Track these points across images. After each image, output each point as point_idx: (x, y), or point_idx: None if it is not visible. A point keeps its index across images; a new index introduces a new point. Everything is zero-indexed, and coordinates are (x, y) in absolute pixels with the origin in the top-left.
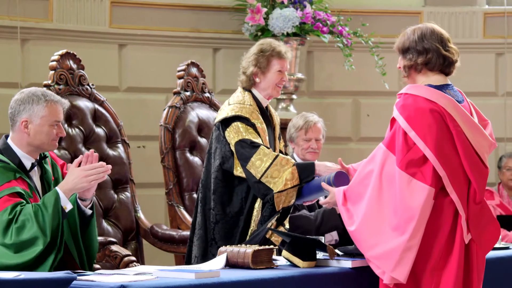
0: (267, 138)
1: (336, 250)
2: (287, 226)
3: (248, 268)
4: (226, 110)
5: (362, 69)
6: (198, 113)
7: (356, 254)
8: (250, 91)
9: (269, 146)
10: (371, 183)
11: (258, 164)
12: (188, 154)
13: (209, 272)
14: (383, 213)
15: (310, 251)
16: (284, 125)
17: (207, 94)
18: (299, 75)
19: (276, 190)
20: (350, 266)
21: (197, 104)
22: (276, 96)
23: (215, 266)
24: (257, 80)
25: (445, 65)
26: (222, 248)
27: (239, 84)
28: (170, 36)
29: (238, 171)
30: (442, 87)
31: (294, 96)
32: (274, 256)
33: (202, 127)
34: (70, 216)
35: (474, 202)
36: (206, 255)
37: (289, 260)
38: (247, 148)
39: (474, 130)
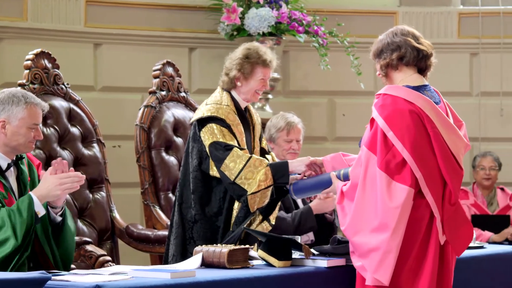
0: (244, 139)
1: (312, 250)
2: (272, 222)
3: (224, 267)
4: (202, 110)
5: (338, 69)
6: (173, 112)
7: (331, 253)
8: (229, 92)
9: (245, 148)
10: (358, 184)
11: (232, 166)
12: (163, 154)
13: (184, 271)
14: (365, 213)
15: (286, 251)
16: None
17: (182, 94)
18: (275, 75)
19: (250, 192)
20: (326, 266)
21: (172, 104)
22: (255, 101)
23: (190, 266)
24: (239, 84)
25: (419, 58)
26: (198, 248)
27: (220, 84)
28: (146, 36)
29: (214, 172)
30: (420, 88)
31: (270, 96)
32: (253, 253)
33: (178, 126)
34: (42, 221)
35: (449, 204)
36: (185, 254)
37: (264, 260)
38: (221, 151)
39: (450, 132)
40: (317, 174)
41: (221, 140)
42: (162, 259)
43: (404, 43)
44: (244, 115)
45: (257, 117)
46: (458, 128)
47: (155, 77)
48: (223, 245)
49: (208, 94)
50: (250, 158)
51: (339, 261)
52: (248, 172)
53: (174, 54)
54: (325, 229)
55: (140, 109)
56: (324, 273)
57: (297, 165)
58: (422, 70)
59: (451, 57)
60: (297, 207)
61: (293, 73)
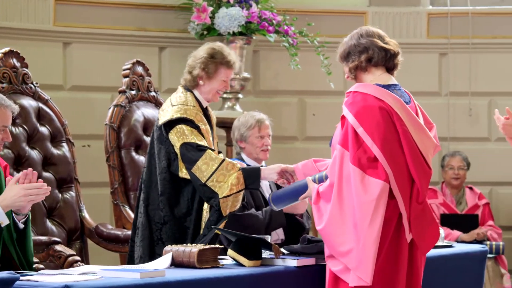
0: (211, 139)
1: (282, 249)
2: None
3: (194, 267)
4: (170, 111)
5: (308, 69)
6: (143, 112)
7: (301, 253)
8: (191, 92)
9: (214, 148)
10: (334, 182)
11: (204, 168)
12: (133, 153)
13: (154, 271)
14: (344, 211)
15: (256, 250)
16: (230, 124)
17: (152, 93)
18: (245, 74)
19: (221, 195)
20: (296, 265)
21: (142, 103)
22: (215, 101)
23: (160, 266)
24: (201, 83)
25: (388, 58)
26: (168, 248)
27: (182, 81)
28: (115, 35)
29: (183, 173)
30: (389, 87)
31: (240, 95)
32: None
33: (148, 126)
34: (8, 227)
35: (416, 202)
36: (153, 255)
37: (234, 259)
38: (193, 152)
39: (419, 131)
40: (290, 183)
41: (192, 140)
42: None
43: (371, 44)
44: (207, 114)
45: (213, 116)
46: (429, 130)
47: (125, 76)
48: (193, 244)
49: None
50: (223, 161)
51: (309, 261)
52: (220, 175)
53: (144, 54)
54: (295, 229)
55: (109, 108)
56: (294, 272)
57: (269, 173)
58: (390, 69)
59: (420, 57)
60: (267, 205)
61: (263, 72)
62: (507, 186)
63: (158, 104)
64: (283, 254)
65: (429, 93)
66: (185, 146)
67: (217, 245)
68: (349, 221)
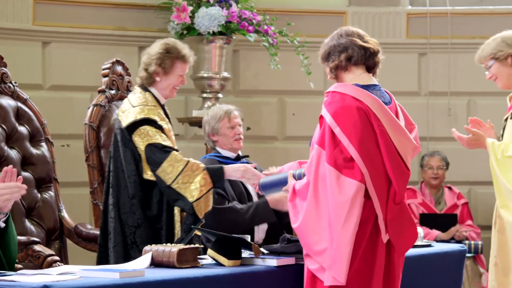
0: (173, 137)
1: (262, 249)
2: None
3: (173, 267)
4: (132, 113)
5: (288, 68)
6: None
7: (281, 252)
8: (149, 91)
9: (177, 148)
10: (310, 181)
11: (169, 170)
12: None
13: (133, 271)
14: (319, 209)
15: (236, 250)
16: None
17: None
18: (225, 74)
19: (193, 199)
20: (276, 265)
21: (122, 103)
22: (172, 97)
23: (139, 266)
24: (158, 79)
25: (367, 57)
26: (147, 247)
27: (138, 80)
28: (95, 34)
29: (148, 175)
30: (369, 87)
31: (220, 95)
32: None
33: None
34: None
35: (393, 203)
36: (128, 259)
37: (214, 259)
38: (158, 153)
39: (398, 132)
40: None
41: (157, 141)
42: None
43: (350, 43)
44: (166, 113)
45: (169, 113)
46: (410, 131)
47: (104, 76)
48: (173, 244)
49: None
50: (188, 162)
51: (288, 260)
52: (185, 177)
53: (124, 53)
54: (275, 230)
55: (89, 108)
56: (274, 272)
57: (232, 171)
58: (371, 68)
59: (399, 57)
60: (248, 194)
61: (243, 72)
62: (486, 185)
63: None
64: (263, 253)
65: (408, 93)
66: (150, 147)
67: (197, 245)
68: (324, 220)
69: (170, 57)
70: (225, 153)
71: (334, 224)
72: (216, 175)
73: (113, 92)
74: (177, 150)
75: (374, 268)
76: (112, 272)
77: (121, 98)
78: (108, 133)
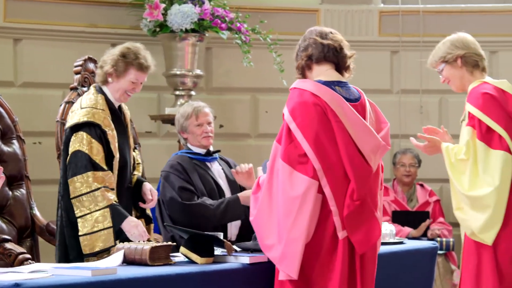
0: (116, 144)
1: (234, 246)
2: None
3: (146, 264)
4: (78, 114)
5: (261, 66)
6: None
7: (253, 250)
8: (103, 93)
9: (116, 154)
10: (266, 176)
11: (78, 185)
12: None
13: (105, 269)
14: (272, 205)
15: (208, 248)
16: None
17: None
18: (198, 72)
19: (82, 233)
20: (248, 262)
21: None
22: (124, 102)
23: (112, 263)
24: (110, 80)
25: (326, 53)
26: (120, 245)
27: (96, 78)
28: (67, 31)
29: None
30: (331, 83)
31: (192, 93)
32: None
33: None
34: None
35: (351, 199)
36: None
37: (187, 257)
38: (79, 164)
39: (359, 128)
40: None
41: (86, 152)
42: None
43: (310, 42)
44: (118, 115)
45: (128, 114)
46: (381, 129)
47: (76, 73)
48: (145, 242)
49: None
50: (98, 189)
51: (261, 257)
52: (86, 201)
53: (96, 50)
54: (248, 226)
55: (61, 105)
56: (247, 269)
57: (130, 225)
58: (338, 65)
59: (372, 55)
60: (220, 190)
61: (216, 70)
62: None
63: None
64: (236, 251)
65: (380, 91)
66: (76, 154)
67: (170, 243)
68: (275, 216)
69: (125, 61)
70: (196, 149)
71: (284, 220)
72: (118, 217)
73: (85, 89)
74: (100, 169)
75: (334, 264)
76: (84, 270)
77: None
78: None
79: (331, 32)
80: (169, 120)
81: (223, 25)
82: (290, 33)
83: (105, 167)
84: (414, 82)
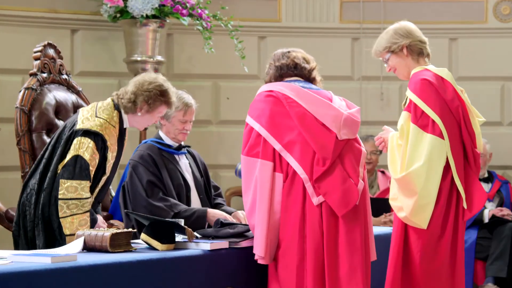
0: (111, 166)
1: (195, 233)
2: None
3: (106, 251)
4: (92, 122)
5: (222, 52)
6: (55, 95)
7: (214, 236)
8: (119, 110)
9: (107, 173)
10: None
11: (71, 189)
12: (45, 137)
13: (65, 256)
14: (244, 199)
15: (169, 234)
16: None
17: (64, 76)
18: (159, 58)
19: (66, 233)
20: (209, 249)
21: (54, 86)
22: (139, 129)
23: (72, 250)
24: (139, 114)
25: (281, 71)
26: (80, 232)
27: (116, 100)
28: (26, 16)
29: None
30: (292, 81)
31: None
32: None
33: (60, 109)
34: None
35: (317, 165)
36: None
37: (147, 243)
38: (77, 169)
39: (316, 104)
40: None
41: (88, 160)
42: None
43: (269, 66)
44: (123, 136)
45: (126, 136)
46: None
47: (36, 59)
48: (105, 229)
49: (90, 76)
50: (87, 197)
51: (222, 244)
52: (73, 204)
53: (56, 36)
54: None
55: (20, 91)
56: (207, 256)
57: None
58: (304, 78)
59: (333, 42)
60: (187, 185)
61: (177, 56)
62: None
63: (70, 87)
64: (196, 237)
65: (341, 77)
66: (77, 158)
67: (130, 229)
68: (249, 204)
69: (160, 100)
70: (168, 140)
71: (251, 207)
72: (92, 223)
73: (44, 75)
74: (91, 181)
75: (306, 233)
76: (44, 257)
77: (53, 81)
78: (40, 117)
79: (288, 52)
80: None
81: (184, 11)
82: (251, 19)
83: (90, 179)
84: (375, 69)
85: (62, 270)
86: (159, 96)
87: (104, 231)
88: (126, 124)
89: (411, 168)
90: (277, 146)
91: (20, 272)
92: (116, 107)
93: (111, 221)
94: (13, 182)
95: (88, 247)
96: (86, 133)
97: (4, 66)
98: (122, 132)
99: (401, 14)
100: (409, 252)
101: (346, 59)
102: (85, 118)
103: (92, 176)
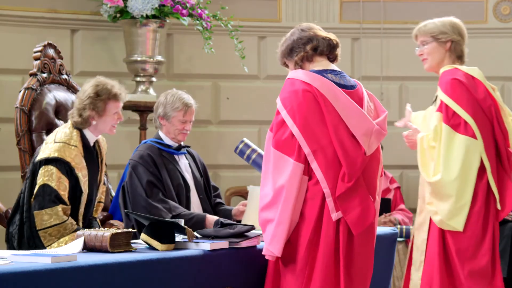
0: (86, 182)
1: (195, 233)
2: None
3: (106, 251)
4: (50, 148)
5: (222, 52)
6: (55, 95)
7: (214, 236)
8: (80, 130)
9: (85, 191)
10: (263, 163)
11: (46, 218)
12: (44, 137)
13: (65, 256)
14: (266, 189)
15: (169, 234)
16: (143, 108)
17: (64, 76)
18: (159, 58)
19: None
20: (209, 249)
21: (54, 86)
22: (111, 134)
23: (72, 250)
24: (94, 123)
25: (331, 48)
26: (80, 232)
27: (71, 120)
28: (26, 17)
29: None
30: (324, 71)
31: (153, 79)
32: None
33: (60, 109)
34: None
35: (342, 181)
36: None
37: (147, 243)
38: (47, 197)
39: (351, 112)
40: None
41: (54, 187)
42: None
43: (313, 36)
44: (92, 153)
45: (105, 145)
46: (379, 116)
47: (36, 59)
48: (105, 229)
49: (90, 76)
50: (65, 221)
51: (222, 244)
52: (54, 230)
53: (56, 36)
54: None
55: (20, 91)
56: (207, 256)
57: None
58: (331, 59)
59: None
60: (187, 186)
61: (177, 56)
62: (417, 169)
63: (70, 87)
64: (196, 237)
65: None
66: (44, 188)
67: (130, 229)
68: (267, 199)
69: (101, 99)
70: (168, 140)
71: (275, 204)
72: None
73: (44, 75)
74: (66, 204)
75: (320, 245)
76: (44, 257)
77: (53, 82)
78: (40, 117)
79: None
80: (130, 106)
81: (184, 11)
82: (251, 19)
83: (67, 202)
84: (375, 68)
85: (62, 270)
86: (99, 98)
87: (104, 231)
88: (91, 138)
89: (445, 171)
90: (306, 150)
91: (20, 272)
92: (75, 126)
93: (111, 221)
94: (13, 182)
95: (88, 247)
96: (47, 161)
97: (4, 66)
98: (88, 149)
99: (401, 14)
100: (448, 256)
101: (346, 59)
102: (45, 147)
103: (67, 198)
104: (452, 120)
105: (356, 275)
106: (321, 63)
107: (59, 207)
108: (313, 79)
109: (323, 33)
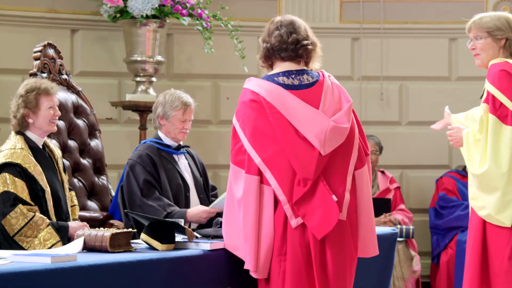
0: (44, 178)
1: (195, 233)
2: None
3: (106, 251)
4: None
5: (222, 52)
6: None
7: (214, 236)
8: (22, 134)
9: (46, 187)
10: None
11: (14, 222)
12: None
13: (65, 256)
14: (230, 205)
15: (169, 234)
16: (143, 108)
17: (64, 76)
18: (159, 58)
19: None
20: (209, 249)
21: None
22: (53, 131)
23: (72, 250)
24: (30, 121)
25: (282, 50)
26: (79, 232)
27: (11, 128)
28: (26, 16)
29: None
30: (275, 75)
31: (153, 79)
32: None
33: (59, 109)
34: None
35: (298, 186)
36: None
37: (147, 243)
38: (7, 204)
39: (300, 115)
40: None
41: (12, 190)
42: None
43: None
44: (43, 153)
45: (57, 150)
46: (341, 109)
47: (36, 59)
48: (105, 229)
49: (90, 76)
50: (33, 216)
51: (222, 244)
52: (29, 230)
53: (56, 36)
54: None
55: None
56: (207, 256)
57: (76, 228)
58: (298, 56)
59: (333, 42)
60: (186, 185)
61: (177, 56)
62: (417, 169)
63: (70, 87)
64: (196, 237)
65: (341, 77)
66: (3, 195)
67: (130, 229)
68: (233, 215)
69: (32, 95)
70: (167, 140)
71: (236, 220)
72: (61, 231)
73: (44, 75)
74: (29, 204)
75: (287, 253)
76: (44, 257)
77: (53, 81)
78: None
79: (278, 21)
80: (130, 106)
81: (184, 11)
82: (251, 19)
83: (32, 203)
84: (375, 68)
85: (62, 270)
86: (29, 94)
87: (104, 231)
88: (37, 139)
89: (492, 163)
90: (257, 160)
91: (20, 272)
92: (16, 132)
93: (111, 221)
94: None
95: (88, 247)
96: None
97: (4, 66)
98: (36, 149)
99: (401, 14)
100: (489, 252)
101: (346, 59)
102: None
103: (29, 199)
104: (499, 111)
105: (334, 279)
106: (281, 66)
107: (20, 207)
108: (260, 87)
109: (279, 32)
